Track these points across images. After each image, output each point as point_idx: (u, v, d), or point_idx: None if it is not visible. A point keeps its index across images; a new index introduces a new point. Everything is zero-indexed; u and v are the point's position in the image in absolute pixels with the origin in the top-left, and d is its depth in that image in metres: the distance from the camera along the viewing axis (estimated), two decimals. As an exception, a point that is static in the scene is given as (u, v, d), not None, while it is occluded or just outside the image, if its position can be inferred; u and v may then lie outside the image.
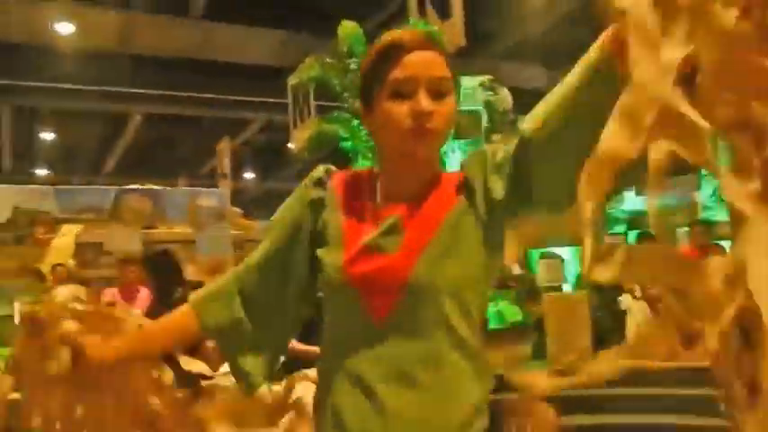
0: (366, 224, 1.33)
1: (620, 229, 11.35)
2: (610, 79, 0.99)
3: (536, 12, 10.74)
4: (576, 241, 9.81)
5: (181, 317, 1.43)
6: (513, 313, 7.16)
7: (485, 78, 10.46)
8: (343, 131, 8.50)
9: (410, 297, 1.25)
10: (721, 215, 10.37)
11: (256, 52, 11.48)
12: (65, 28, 10.53)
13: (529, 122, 1.22)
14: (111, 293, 5.88)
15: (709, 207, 10.59)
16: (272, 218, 1.44)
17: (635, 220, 11.33)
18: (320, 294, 1.40)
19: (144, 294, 5.60)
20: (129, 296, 5.72)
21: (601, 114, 0.93)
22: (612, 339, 6.59)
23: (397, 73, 1.27)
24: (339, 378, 1.29)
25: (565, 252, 9.58)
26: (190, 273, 6.24)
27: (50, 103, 13.26)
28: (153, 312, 4.55)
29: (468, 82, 10.54)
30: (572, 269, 9.32)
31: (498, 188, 1.28)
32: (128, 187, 11.54)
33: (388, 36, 1.31)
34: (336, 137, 8.56)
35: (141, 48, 11.50)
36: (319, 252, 1.34)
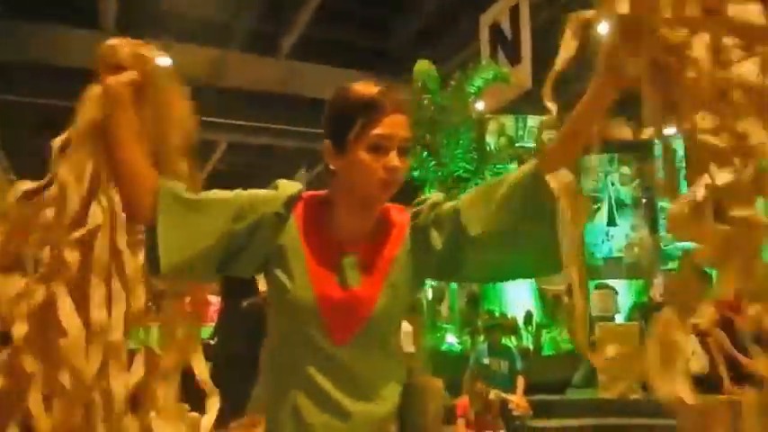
0: (329, 259, 1.44)
1: (674, 265, 11.11)
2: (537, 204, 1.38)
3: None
4: (631, 275, 9.66)
5: (151, 178, 1.41)
6: (567, 341, 7.09)
7: (549, 117, 10.49)
8: (413, 162, 8.64)
9: (370, 325, 1.43)
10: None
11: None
12: (163, 62, 10.95)
13: (472, 222, 1.42)
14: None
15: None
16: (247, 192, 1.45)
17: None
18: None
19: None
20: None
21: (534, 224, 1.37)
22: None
23: (378, 130, 1.36)
24: (295, 387, 1.42)
25: (619, 285, 9.44)
26: (261, 285, 6.44)
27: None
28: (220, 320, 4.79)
29: (533, 121, 10.58)
30: (626, 301, 9.17)
31: (437, 242, 1.46)
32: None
33: (371, 92, 1.39)
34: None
35: (231, 82, 11.86)
36: (279, 273, 1.43)
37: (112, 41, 1.48)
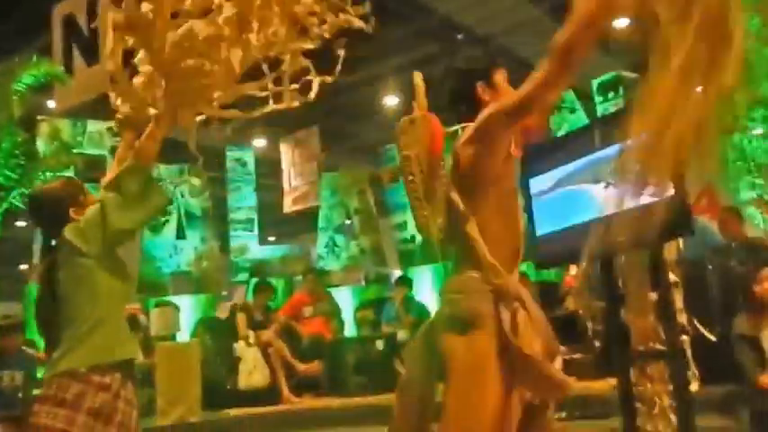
0: None
1: (243, 277, 11.51)
2: None
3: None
4: (199, 289, 9.51)
5: None
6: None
7: (113, 124, 9.95)
8: None
9: None
10: (332, 265, 11.03)
11: None
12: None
13: None
14: None
15: (323, 257, 11.20)
16: None
17: (257, 268, 11.57)
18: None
19: None
20: None
21: None
22: (226, 388, 6.46)
23: None
24: None
25: (187, 300, 9.32)
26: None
27: None
28: None
29: (95, 126, 9.97)
30: (190, 317, 9.03)
31: None
32: None
33: None
34: None
35: None
36: None
37: None
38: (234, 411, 6.03)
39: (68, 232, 2.30)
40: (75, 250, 2.28)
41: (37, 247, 9.43)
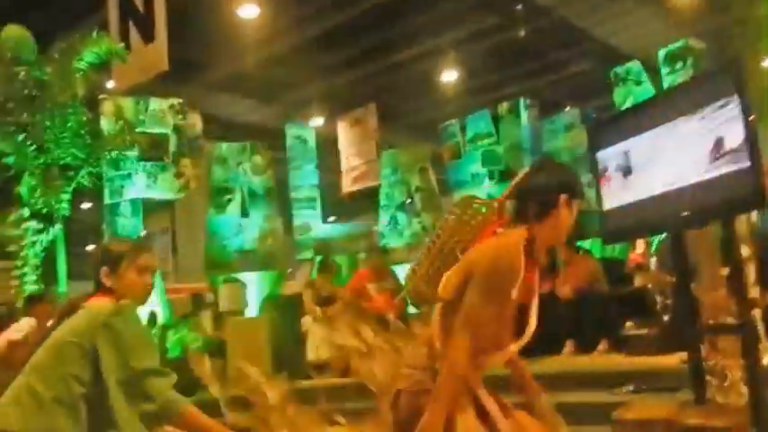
0: None
1: (308, 254, 11.73)
2: None
3: (249, 47, 10.85)
4: (264, 266, 9.75)
5: None
6: (194, 340, 7.00)
7: (175, 102, 10.16)
8: (6, 146, 7.70)
9: None
10: (394, 242, 11.15)
11: None
12: None
13: None
14: None
15: (385, 235, 11.31)
16: None
17: (321, 246, 11.76)
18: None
19: None
20: None
21: None
22: (293, 361, 6.68)
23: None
24: None
25: (254, 277, 9.61)
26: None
27: None
28: None
29: (157, 104, 10.13)
30: (256, 293, 9.33)
31: None
32: None
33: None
34: None
35: None
36: None
37: None
38: (304, 382, 6.25)
39: (98, 309, 2.33)
40: (84, 326, 2.28)
41: (105, 231, 9.78)
